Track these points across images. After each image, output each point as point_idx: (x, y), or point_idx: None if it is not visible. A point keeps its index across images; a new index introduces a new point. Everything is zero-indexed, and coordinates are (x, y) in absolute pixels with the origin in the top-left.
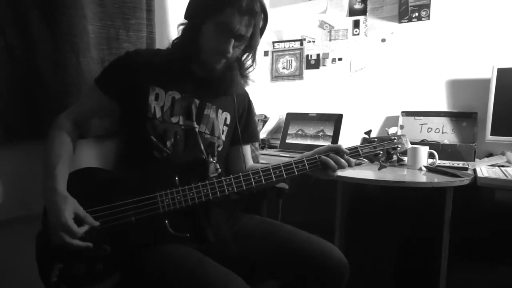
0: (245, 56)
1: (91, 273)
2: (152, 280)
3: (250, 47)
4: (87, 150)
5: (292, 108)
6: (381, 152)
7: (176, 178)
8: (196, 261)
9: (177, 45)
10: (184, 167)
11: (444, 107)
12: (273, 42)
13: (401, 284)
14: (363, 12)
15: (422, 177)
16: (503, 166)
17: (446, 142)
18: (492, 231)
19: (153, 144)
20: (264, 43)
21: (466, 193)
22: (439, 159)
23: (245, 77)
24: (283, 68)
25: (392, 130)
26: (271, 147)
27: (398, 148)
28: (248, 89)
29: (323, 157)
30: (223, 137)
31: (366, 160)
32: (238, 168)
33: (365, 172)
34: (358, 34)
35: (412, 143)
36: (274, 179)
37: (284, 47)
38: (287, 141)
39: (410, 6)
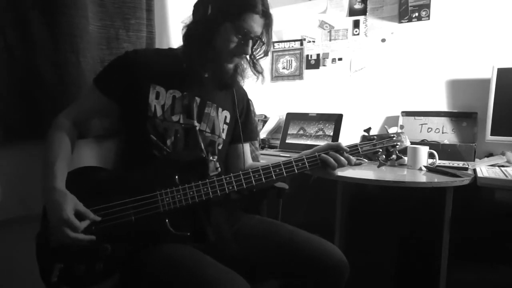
0: (258, 54)
1: (91, 273)
2: (152, 279)
3: (265, 45)
4: (87, 150)
5: (292, 108)
6: (381, 150)
7: (176, 177)
8: (196, 261)
9: (191, 47)
10: (184, 166)
11: (444, 107)
12: (273, 42)
13: (401, 284)
14: (363, 12)
15: (422, 177)
16: (503, 166)
17: (446, 142)
18: (492, 231)
19: (153, 143)
20: None
21: (466, 193)
22: (439, 159)
23: (258, 72)
24: (283, 68)
25: (392, 130)
26: (271, 147)
27: (397, 146)
28: (248, 89)
29: (323, 155)
30: (223, 135)
31: (366, 160)
32: (237, 166)
33: (365, 172)
34: (358, 34)
35: (412, 143)
36: (274, 177)
37: (284, 47)
38: (287, 141)
39: (410, 6)
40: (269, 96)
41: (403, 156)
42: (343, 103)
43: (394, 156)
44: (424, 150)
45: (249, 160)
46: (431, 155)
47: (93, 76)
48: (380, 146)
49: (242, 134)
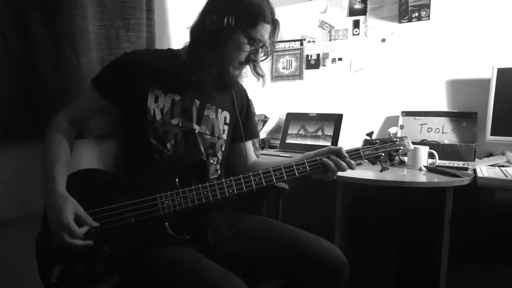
0: (261, 57)
1: (90, 274)
2: (151, 281)
3: (270, 51)
4: (87, 150)
5: (292, 108)
6: (383, 154)
7: (176, 180)
8: (195, 262)
9: (199, 54)
10: (184, 168)
11: (444, 107)
12: (273, 42)
13: (401, 284)
14: (363, 12)
15: (422, 177)
16: (503, 166)
17: (446, 142)
18: (492, 231)
19: (153, 146)
20: None
21: (466, 193)
22: (439, 159)
23: (260, 75)
24: (283, 68)
25: (392, 130)
26: (271, 147)
27: (400, 150)
28: (248, 89)
29: (324, 159)
30: (224, 136)
31: (367, 161)
32: (240, 165)
33: (365, 172)
34: (358, 34)
35: (412, 143)
36: (274, 181)
37: (284, 47)
38: (287, 141)
39: (410, 6)
40: (269, 96)
41: (405, 159)
42: (343, 103)
43: (397, 160)
44: (424, 150)
45: (252, 158)
46: (431, 155)
47: (93, 76)
48: (383, 151)
49: (243, 132)
